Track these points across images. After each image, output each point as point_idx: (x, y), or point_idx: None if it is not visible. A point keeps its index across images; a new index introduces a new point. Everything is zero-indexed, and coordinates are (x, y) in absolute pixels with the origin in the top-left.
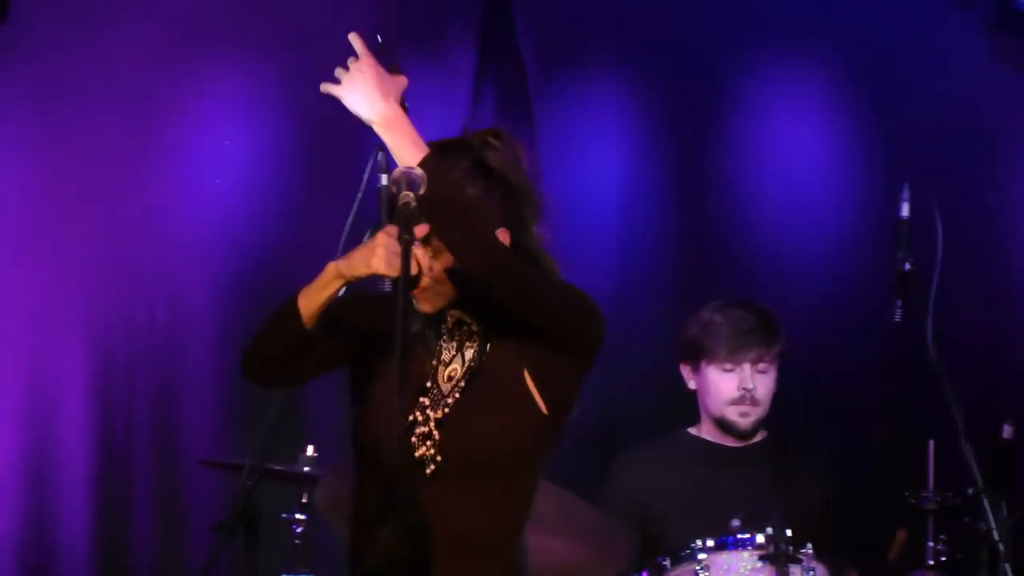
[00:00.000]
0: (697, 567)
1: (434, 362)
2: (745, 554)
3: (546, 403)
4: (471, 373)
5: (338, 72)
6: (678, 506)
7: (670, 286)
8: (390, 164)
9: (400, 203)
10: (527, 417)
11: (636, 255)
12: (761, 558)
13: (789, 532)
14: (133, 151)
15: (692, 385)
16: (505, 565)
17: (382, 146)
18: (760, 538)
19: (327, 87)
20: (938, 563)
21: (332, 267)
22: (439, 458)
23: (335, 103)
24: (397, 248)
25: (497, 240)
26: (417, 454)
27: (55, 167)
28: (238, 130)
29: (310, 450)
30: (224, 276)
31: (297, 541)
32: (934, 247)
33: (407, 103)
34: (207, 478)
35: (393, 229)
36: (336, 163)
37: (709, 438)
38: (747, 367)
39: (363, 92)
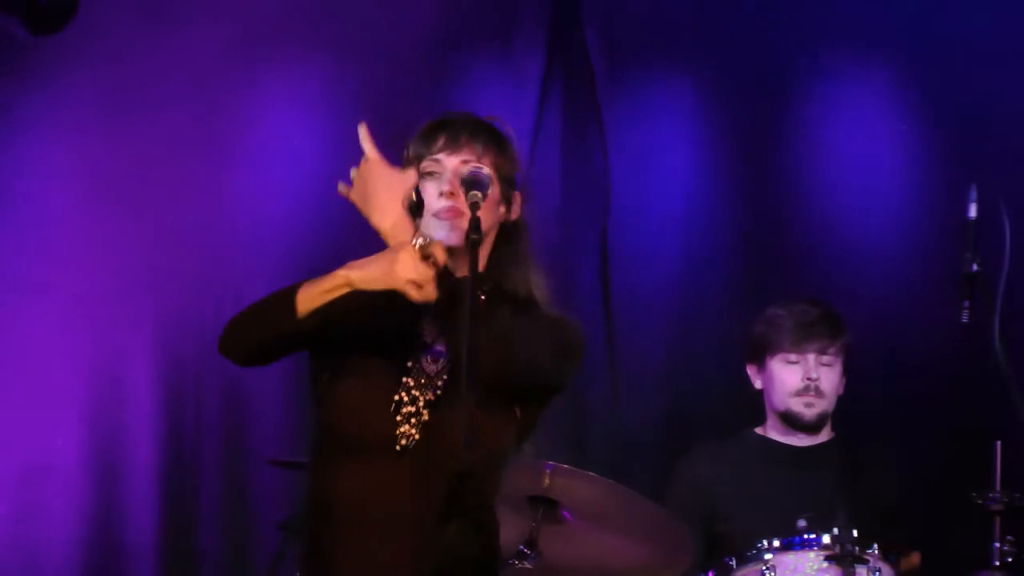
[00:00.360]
0: (763, 567)
1: (418, 345)
2: (811, 554)
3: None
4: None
5: (352, 173)
6: (744, 506)
7: (736, 288)
8: None
9: (468, 202)
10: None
11: (703, 257)
12: (827, 558)
13: (855, 532)
14: (201, 152)
15: (758, 384)
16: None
17: None
18: (826, 538)
19: (343, 190)
20: (1004, 564)
21: (342, 275)
22: (417, 437)
23: (401, 102)
24: (422, 273)
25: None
26: (399, 431)
27: (124, 168)
28: (305, 129)
29: None
30: (289, 275)
31: None
32: (1001, 248)
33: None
34: (274, 476)
35: (419, 247)
36: (399, 162)
37: (775, 437)
38: (811, 358)
39: (370, 200)
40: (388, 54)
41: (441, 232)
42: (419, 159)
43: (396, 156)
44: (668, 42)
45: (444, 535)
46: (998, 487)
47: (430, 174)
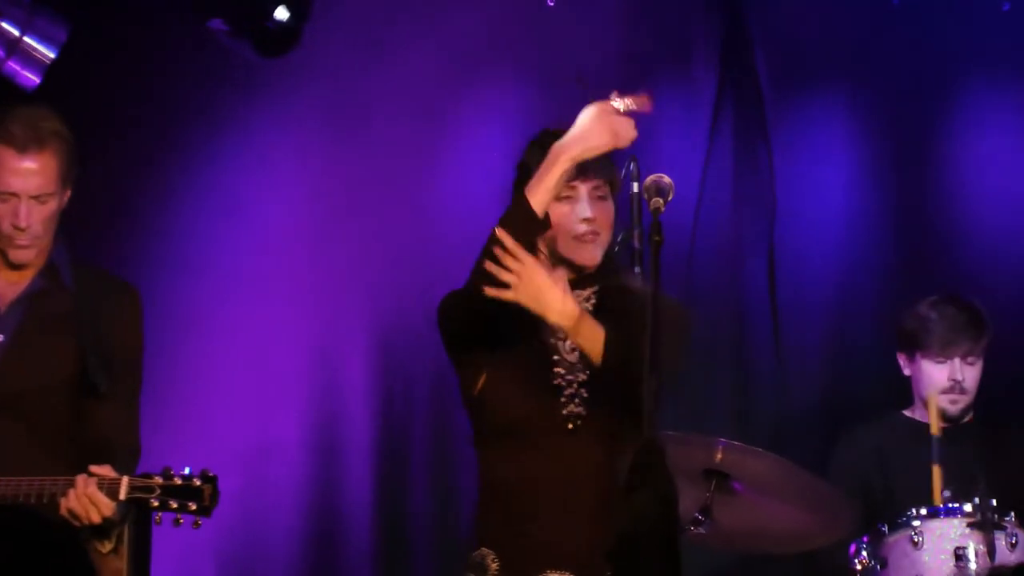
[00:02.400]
0: (912, 533)
1: (553, 340)
2: (955, 521)
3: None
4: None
5: (506, 277)
6: (895, 480)
7: (888, 284)
8: (641, 173)
9: (651, 208)
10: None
11: (858, 257)
12: (969, 525)
13: (994, 502)
14: (411, 164)
15: (907, 372)
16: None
17: (634, 156)
18: (968, 507)
19: (508, 295)
20: None
21: (556, 149)
22: (584, 414)
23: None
24: (617, 123)
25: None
26: (565, 411)
27: (342, 176)
28: (504, 143)
29: None
30: None
31: None
32: None
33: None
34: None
35: (604, 103)
36: None
37: (922, 420)
38: (957, 361)
39: (541, 298)
40: (575, 79)
41: (583, 252)
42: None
43: None
44: (828, 62)
45: (629, 503)
46: None
47: (567, 198)
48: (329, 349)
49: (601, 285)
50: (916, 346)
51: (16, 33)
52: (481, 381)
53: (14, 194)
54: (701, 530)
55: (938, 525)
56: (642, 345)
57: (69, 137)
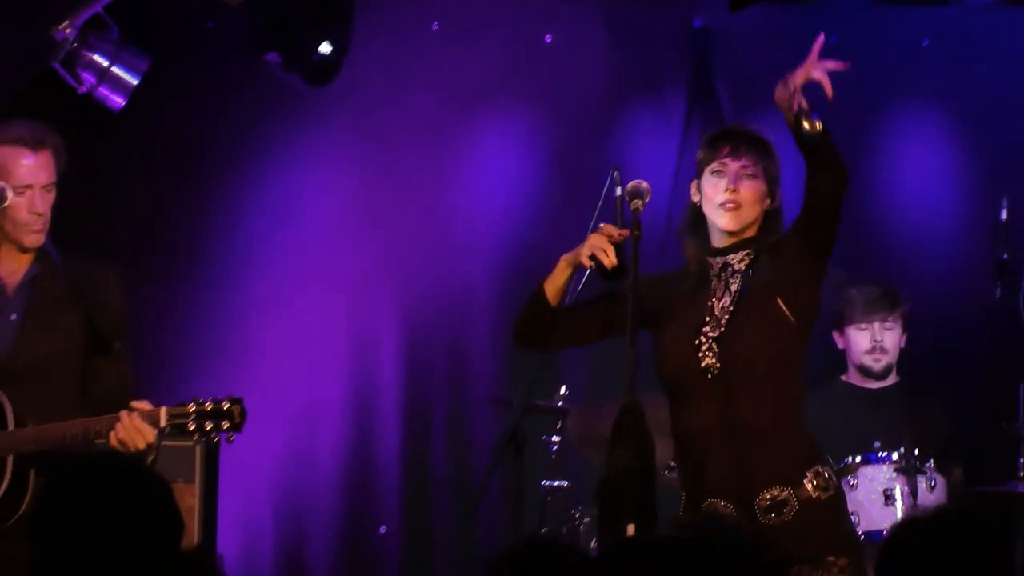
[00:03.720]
0: (849, 476)
1: (710, 301)
2: (884, 467)
3: (795, 316)
4: (738, 300)
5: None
6: (835, 434)
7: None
8: (623, 180)
9: (632, 208)
10: (781, 328)
11: None
12: (896, 470)
13: (916, 451)
14: (431, 179)
15: (840, 345)
16: (782, 451)
17: (617, 167)
18: (895, 456)
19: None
20: None
21: (562, 260)
22: (718, 365)
23: (583, 140)
24: (597, 245)
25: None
26: (703, 364)
27: (374, 188)
28: (508, 159)
29: (563, 389)
30: (498, 266)
31: (553, 457)
32: None
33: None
34: (487, 410)
35: (603, 232)
36: (581, 180)
37: (856, 383)
38: (877, 325)
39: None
40: (573, 104)
41: (722, 219)
42: (708, 161)
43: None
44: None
45: (613, 455)
46: (1021, 419)
47: (717, 172)
48: (364, 328)
49: (755, 249)
50: (844, 320)
51: (105, 64)
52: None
53: (29, 186)
54: (673, 475)
55: (871, 470)
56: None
57: (59, 139)
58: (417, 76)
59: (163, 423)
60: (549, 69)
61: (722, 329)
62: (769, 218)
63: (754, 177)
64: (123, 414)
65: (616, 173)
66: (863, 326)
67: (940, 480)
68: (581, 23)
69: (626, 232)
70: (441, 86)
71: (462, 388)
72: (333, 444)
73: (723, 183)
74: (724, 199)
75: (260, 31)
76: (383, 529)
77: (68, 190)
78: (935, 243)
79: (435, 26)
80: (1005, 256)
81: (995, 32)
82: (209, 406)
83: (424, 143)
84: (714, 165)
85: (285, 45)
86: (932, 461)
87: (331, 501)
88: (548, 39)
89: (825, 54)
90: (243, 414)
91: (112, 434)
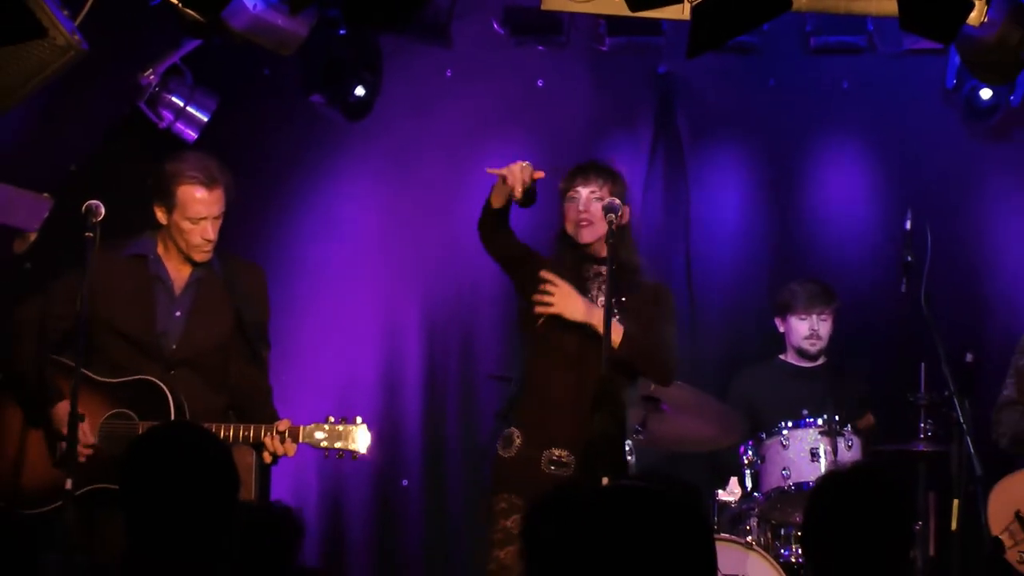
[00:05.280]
0: (782, 438)
1: (588, 291)
2: (811, 431)
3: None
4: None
5: (546, 299)
6: (772, 403)
7: (770, 269)
8: None
9: (607, 221)
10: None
11: (748, 253)
12: (820, 433)
13: (837, 418)
14: (446, 191)
15: (781, 329)
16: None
17: None
18: (820, 421)
19: (542, 310)
20: (927, 437)
21: (497, 183)
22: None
23: (568, 164)
24: (521, 177)
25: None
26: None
27: (400, 200)
28: None
29: None
30: (502, 279)
31: None
32: (925, 247)
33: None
34: (492, 385)
35: (525, 168)
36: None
37: (792, 362)
38: (815, 317)
39: (572, 306)
40: (561, 135)
41: (579, 234)
42: (566, 190)
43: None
44: (726, 123)
45: (592, 422)
46: (923, 390)
47: (572, 198)
48: (391, 317)
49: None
50: (787, 310)
51: (181, 104)
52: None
53: (204, 217)
54: (640, 437)
55: (800, 433)
56: (653, 333)
57: (230, 177)
58: (434, 112)
59: (301, 439)
60: (541, 107)
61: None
62: (620, 231)
63: (601, 199)
64: (266, 440)
65: (606, 200)
66: (803, 316)
67: (856, 441)
68: (567, 70)
69: (539, 174)
70: (453, 121)
71: (471, 366)
72: (365, 411)
73: (575, 206)
74: (579, 218)
75: (308, 77)
76: (405, 482)
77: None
78: (854, 248)
79: (448, 72)
80: (909, 259)
81: (902, 76)
82: (340, 428)
83: (440, 166)
84: (570, 192)
85: (328, 88)
86: (849, 426)
87: (364, 459)
88: (540, 83)
89: (764, 95)
90: (367, 441)
91: (265, 453)
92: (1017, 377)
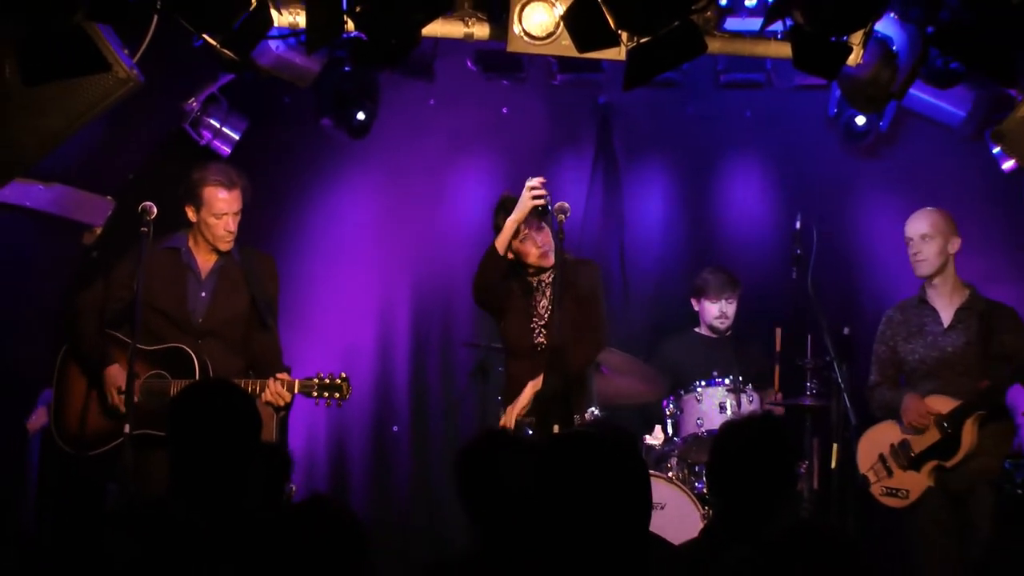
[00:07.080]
0: (696, 394)
1: (534, 301)
2: (720, 388)
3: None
4: (553, 304)
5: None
6: (689, 366)
7: (688, 263)
8: (552, 201)
9: (558, 219)
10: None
11: (671, 250)
12: (727, 390)
13: (740, 378)
14: (431, 198)
15: (696, 308)
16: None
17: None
18: (727, 380)
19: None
20: (812, 394)
21: (510, 220)
22: (544, 343)
23: (526, 176)
24: (538, 191)
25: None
26: (535, 342)
27: (395, 206)
28: (480, 189)
29: None
30: (473, 257)
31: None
32: (811, 243)
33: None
34: (466, 351)
35: (532, 181)
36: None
37: (705, 334)
38: (723, 300)
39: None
40: (521, 153)
41: (542, 262)
42: (526, 229)
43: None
44: (655, 143)
45: (544, 383)
46: (809, 357)
47: (531, 237)
48: (385, 296)
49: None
50: (701, 294)
51: (218, 125)
52: (502, 323)
53: (225, 213)
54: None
55: (711, 391)
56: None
57: (246, 179)
58: (420, 133)
59: (296, 390)
60: (505, 130)
61: (544, 322)
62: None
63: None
64: (270, 382)
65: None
66: (714, 300)
67: (756, 396)
68: (526, 100)
69: (542, 179)
70: (436, 140)
71: (449, 336)
72: (363, 371)
73: (533, 243)
74: (541, 251)
75: (320, 104)
76: (395, 428)
77: None
78: (755, 243)
79: (432, 101)
80: (798, 252)
81: (794, 106)
82: (327, 380)
83: (426, 177)
84: (530, 233)
85: (335, 113)
86: (750, 384)
87: (362, 409)
88: (505, 111)
89: (683, 122)
90: (349, 389)
91: (264, 394)
92: (878, 363)
